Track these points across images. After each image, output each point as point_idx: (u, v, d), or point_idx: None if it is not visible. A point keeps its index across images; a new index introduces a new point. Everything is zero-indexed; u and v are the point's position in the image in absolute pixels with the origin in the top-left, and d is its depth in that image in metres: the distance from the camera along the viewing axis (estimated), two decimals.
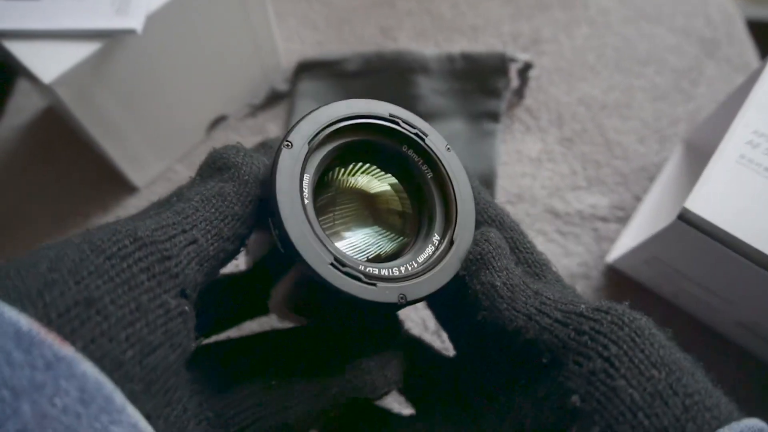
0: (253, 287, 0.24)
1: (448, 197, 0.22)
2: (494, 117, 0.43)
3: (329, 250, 0.18)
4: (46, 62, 0.31)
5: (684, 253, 0.30)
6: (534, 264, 0.22)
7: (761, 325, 0.31)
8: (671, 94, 0.46)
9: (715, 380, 0.17)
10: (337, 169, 0.22)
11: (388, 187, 0.23)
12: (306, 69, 0.45)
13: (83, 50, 0.32)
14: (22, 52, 0.32)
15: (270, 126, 0.46)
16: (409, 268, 0.20)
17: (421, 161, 0.22)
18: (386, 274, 0.20)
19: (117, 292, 0.15)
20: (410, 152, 0.23)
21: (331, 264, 0.18)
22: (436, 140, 0.22)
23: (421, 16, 0.51)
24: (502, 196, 0.42)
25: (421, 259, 0.21)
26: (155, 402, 0.15)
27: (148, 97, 0.38)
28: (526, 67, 0.43)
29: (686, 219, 0.27)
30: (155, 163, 0.42)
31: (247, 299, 0.25)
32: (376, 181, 0.23)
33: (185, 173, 0.44)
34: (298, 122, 0.20)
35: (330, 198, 0.22)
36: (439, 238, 0.22)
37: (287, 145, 0.19)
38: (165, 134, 0.41)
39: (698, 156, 0.41)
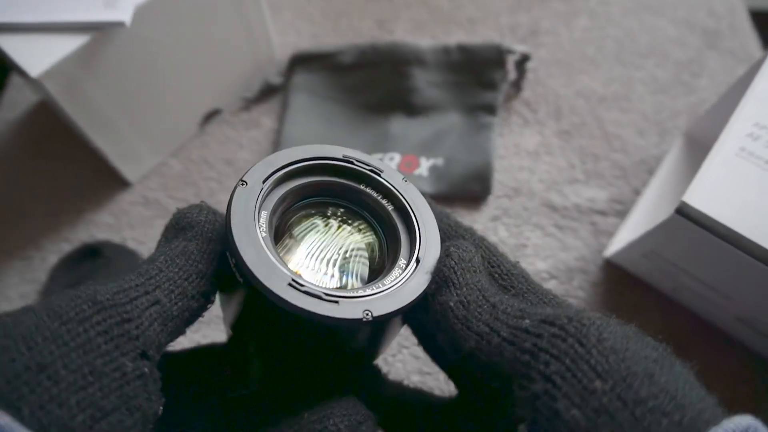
0: (231, 360, 0.24)
1: (411, 224, 0.22)
2: (491, 110, 0.42)
3: (286, 272, 0.18)
4: (34, 56, 0.31)
5: (682, 247, 0.29)
6: (503, 276, 0.21)
7: (760, 319, 0.30)
8: (672, 87, 0.45)
9: (702, 375, 0.16)
10: (294, 212, 0.23)
11: (350, 227, 0.24)
12: (300, 62, 0.45)
13: (71, 43, 0.31)
14: (9, 45, 0.31)
15: (264, 119, 0.45)
16: (376, 288, 0.20)
17: (380, 196, 0.23)
18: (350, 294, 0.19)
19: (70, 357, 0.15)
20: (368, 189, 0.23)
21: (289, 284, 0.17)
22: (391, 174, 0.23)
23: (419, 8, 0.50)
24: (499, 189, 0.41)
25: (387, 281, 0.20)
26: None
27: (140, 90, 0.37)
28: (524, 59, 0.42)
29: (684, 213, 0.26)
30: (148, 158, 0.42)
31: (224, 372, 0.24)
32: (339, 221, 0.24)
33: (178, 168, 0.43)
34: (253, 165, 0.20)
35: (290, 242, 0.22)
36: (405, 261, 0.21)
37: (242, 184, 0.19)
38: (158, 128, 0.41)
39: (699, 149, 0.40)
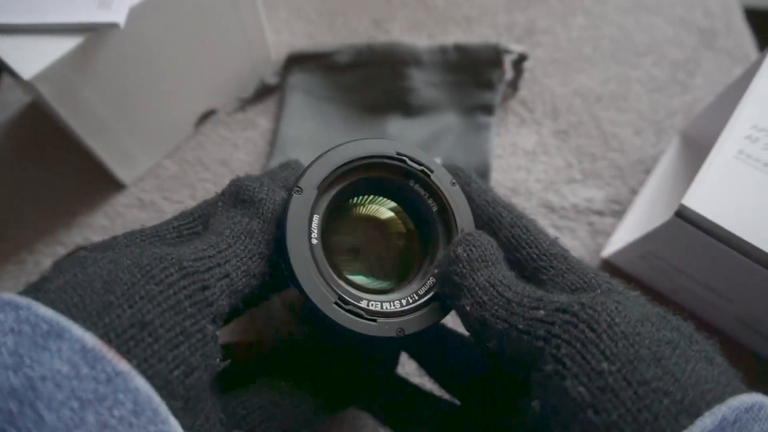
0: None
1: (451, 230, 0.23)
2: (488, 110, 0.42)
3: (334, 290, 0.20)
4: (26, 58, 0.30)
5: (681, 249, 0.29)
6: (541, 257, 0.21)
7: (761, 322, 0.30)
8: (668, 86, 0.45)
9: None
10: (349, 202, 0.24)
11: (393, 214, 0.25)
12: (296, 61, 0.44)
13: (64, 45, 0.31)
14: (1, 47, 0.31)
15: (260, 120, 0.45)
16: (410, 301, 0.22)
17: (427, 195, 0.24)
18: (387, 308, 0.21)
19: (165, 317, 0.16)
20: (417, 187, 0.24)
21: (335, 303, 0.20)
22: (441, 176, 0.24)
23: (415, 7, 0.50)
24: (497, 190, 0.41)
25: (422, 291, 0.22)
26: (190, 417, 0.17)
27: (134, 92, 0.37)
28: (521, 59, 0.42)
29: (683, 216, 0.26)
30: (143, 160, 0.42)
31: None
32: (384, 209, 0.25)
33: (174, 169, 0.43)
34: (309, 165, 0.22)
35: (342, 229, 0.24)
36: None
37: (297, 191, 0.21)
38: (152, 130, 0.41)
39: (695, 148, 0.40)
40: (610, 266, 0.38)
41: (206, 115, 0.44)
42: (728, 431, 0.14)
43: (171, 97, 0.40)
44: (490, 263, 0.20)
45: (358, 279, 0.23)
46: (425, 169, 0.23)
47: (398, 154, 0.23)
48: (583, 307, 0.16)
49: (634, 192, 0.40)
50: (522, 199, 0.41)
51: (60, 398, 0.13)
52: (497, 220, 0.23)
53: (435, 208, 0.24)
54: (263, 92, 0.45)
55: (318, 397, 0.22)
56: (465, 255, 0.20)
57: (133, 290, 0.16)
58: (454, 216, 0.23)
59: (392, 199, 0.24)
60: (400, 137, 0.42)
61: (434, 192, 0.24)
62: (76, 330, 0.14)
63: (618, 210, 0.40)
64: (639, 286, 0.37)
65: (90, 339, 0.14)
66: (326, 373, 0.23)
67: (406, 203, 0.24)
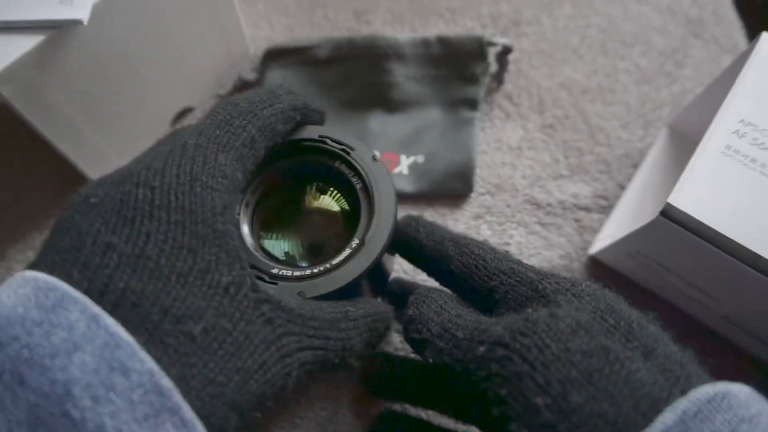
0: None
1: (372, 205, 0.24)
2: (472, 104, 0.41)
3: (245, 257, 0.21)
4: None
5: (667, 248, 0.29)
6: (491, 277, 0.22)
7: (747, 320, 0.30)
8: (656, 77, 0.44)
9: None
10: (282, 184, 0.26)
11: (320, 195, 0.27)
12: (275, 56, 0.43)
13: (25, 44, 0.29)
14: None
15: None
16: (320, 269, 0.23)
17: (351, 173, 0.25)
18: (290, 274, 0.22)
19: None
20: (342, 167, 0.25)
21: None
22: (362, 153, 0.25)
23: None
24: (481, 187, 0.40)
25: (335, 260, 0.23)
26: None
27: (104, 91, 0.35)
28: (506, 51, 0.41)
29: (669, 215, 0.25)
30: (116, 160, 0.40)
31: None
32: (314, 191, 0.26)
33: None
34: None
35: (268, 209, 0.25)
36: (357, 242, 0.23)
37: None
38: (126, 130, 0.39)
39: (683, 141, 0.40)
40: (597, 263, 0.37)
41: (183, 113, 0.43)
42: (690, 424, 0.13)
43: (144, 96, 0.38)
44: (442, 310, 0.21)
45: (276, 252, 0.25)
46: (345, 148, 0.25)
47: (320, 136, 0.25)
48: (515, 337, 0.16)
49: (622, 187, 0.40)
50: (507, 196, 0.40)
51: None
52: (446, 256, 0.24)
53: (359, 185, 0.25)
54: (241, 88, 0.44)
55: None
56: (417, 313, 0.21)
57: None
58: (373, 191, 0.24)
59: (322, 181, 0.26)
60: (381, 133, 0.41)
61: (356, 169, 0.25)
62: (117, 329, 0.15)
63: (605, 206, 0.39)
64: (627, 284, 0.36)
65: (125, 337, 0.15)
66: None
67: (335, 184, 0.26)
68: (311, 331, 0.19)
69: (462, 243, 0.24)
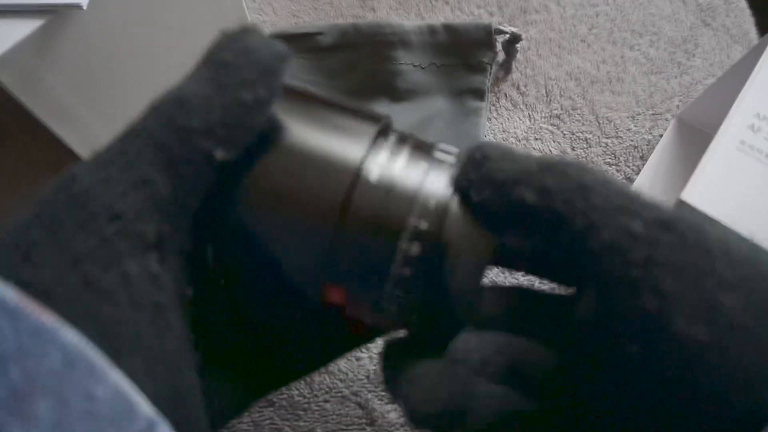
0: None
1: None
2: (479, 94, 0.40)
3: None
4: None
5: None
6: None
7: None
8: (665, 67, 0.43)
9: None
10: None
11: None
12: None
13: (23, 29, 0.29)
14: None
15: None
16: None
17: None
18: None
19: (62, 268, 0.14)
20: None
21: None
22: None
23: None
24: None
25: None
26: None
27: (105, 77, 0.35)
28: (514, 39, 0.40)
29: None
30: None
31: None
32: None
33: None
34: None
35: None
36: None
37: None
38: (124, 115, 0.38)
39: (692, 134, 0.39)
40: None
41: None
42: None
43: (144, 82, 0.38)
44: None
45: None
46: None
47: None
48: (692, 228, 0.13)
49: (629, 179, 0.39)
50: None
51: None
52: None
53: None
54: None
55: None
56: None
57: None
58: None
59: None
60: None
61: None
62: None
63: None
64: None
65: (10, 295, 0.13)
66: None
67: None
68: None
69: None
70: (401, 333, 0.19)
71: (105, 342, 0.14)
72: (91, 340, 0.13)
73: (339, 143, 0.17)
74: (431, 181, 0.17)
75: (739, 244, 0.14)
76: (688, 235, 0.13)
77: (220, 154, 0.15)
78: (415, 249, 0.16)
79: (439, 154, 0.18)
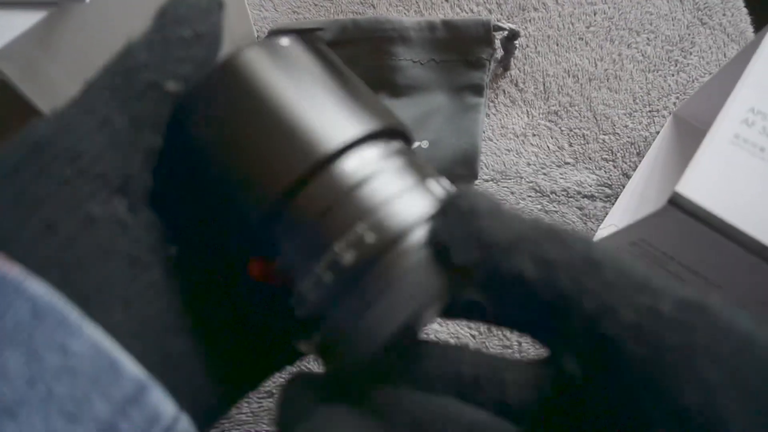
0: None
1: None
2: (477, 90, 0.40)
3: None
4: None
5: (673, 237, 0.29)
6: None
7: (750, 309, 0.30)
8: (662, 65, 0.44)
9: None
10: None
11: None
12: None
13: (25, 21, 0.29)
14: None
15: None
16: None
17: None
18: None
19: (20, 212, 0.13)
20: None
21: None
22: None
23: None
24: (485, 173, 0.40)
25: None
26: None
27: None
28: (512, 36, 0.41)
29: (677, 204, 0.25)
30: None
31: None
32: None
33: None
34: None
35: None
36: None
37: None
38: None
39: (688, 130, 0.39)
40: None
41: None
42: None
43: None
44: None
45: None
46: None
47: None
48: (721, 310, 0.12)
49: (626, 176, 0.39)
50: (511, 183, 0.40)
51: None
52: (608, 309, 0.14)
53: None
54: None
55: None
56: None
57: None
58: None
59: None
60: None
61: None
62: None
63: (609, 194, 0.39)
64: None
65: None
66: None
67: None
68: None
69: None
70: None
71: (72, 292, 0.13)
72: (57, 289, 0.13)
73: (335, 117, 0.15)
74: (404, 201, 0.15)
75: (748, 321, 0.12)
76: (722, 317, 0.12)
77: (170, 86, 0.15)
78: (348, 257, 0.14)
79: (431, 183, 0.16)
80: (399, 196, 0.15)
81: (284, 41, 0.17)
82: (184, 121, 0.16)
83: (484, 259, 0.13)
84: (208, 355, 0.15)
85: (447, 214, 0.14)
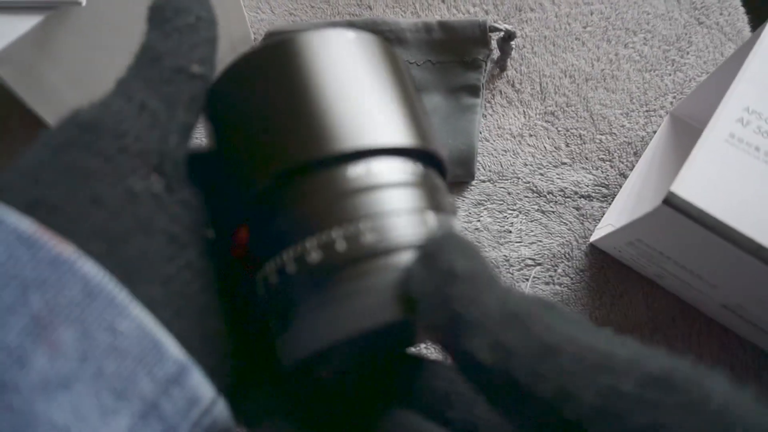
0: None
1: None
2: (474, 91, 0.41)
3: None
4: None
5: (669, 236, 0.29)
6: None
7: (745, 308, 0.30)
8: (659, 65, 0.44)
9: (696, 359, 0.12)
10: None
11: None
12: None
13: (22, 25, 0.29)
14: None
15: None
16: None
17: None
18: None
19: (68, 186, 0.14)
20: None
21: None
22: None
23: None
24: (482, 174, 0.40)
25: None
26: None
27: (102, 73, 0.35)
28: (509, 37, 0.41)
29: (672, 203, 0.25)
30: None
31: None
32: None
33: None
34: None
35: None
36: None
37: None
38: None
39: (685, 130, 0.40)
40: (597, 251, 0.37)
41: None
42: None
43: None
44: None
45: None
46: None
47: None
48: (687, 380, 0.12)
49: (623, 176, 0.39)
50: (508, 183, 0.40)
51: None
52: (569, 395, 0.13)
53: None
54: None
55: None
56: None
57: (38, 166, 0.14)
58: None
59: None
60: None
61: None
62: (11, 218, 0.13)
63: (606, 194, 0.39)
64: (626, 272, 0.37)
65: (27, 225, 0.13)
66: None
67: None
68: None
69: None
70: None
71: (117, 263, 0.13)
72: (103, 260, 0.13)
73: (362, 120, 0.15)
74: (390, 223, 0.14)
75: (719, 384, 0.12)
76: (692, 391, 0.11)
77: (195, 69, 0.16)
78: (314, 256, 0.13)
79: (429, 215, 0.15)
80: (387, 216, 0.14)
81: (350, 34, 0.17)
82: (224, 95, 0.17)
83: (447, 328, 0.13)
84: (236, 340, 0.16)
85: (425, 265, 0.13)
